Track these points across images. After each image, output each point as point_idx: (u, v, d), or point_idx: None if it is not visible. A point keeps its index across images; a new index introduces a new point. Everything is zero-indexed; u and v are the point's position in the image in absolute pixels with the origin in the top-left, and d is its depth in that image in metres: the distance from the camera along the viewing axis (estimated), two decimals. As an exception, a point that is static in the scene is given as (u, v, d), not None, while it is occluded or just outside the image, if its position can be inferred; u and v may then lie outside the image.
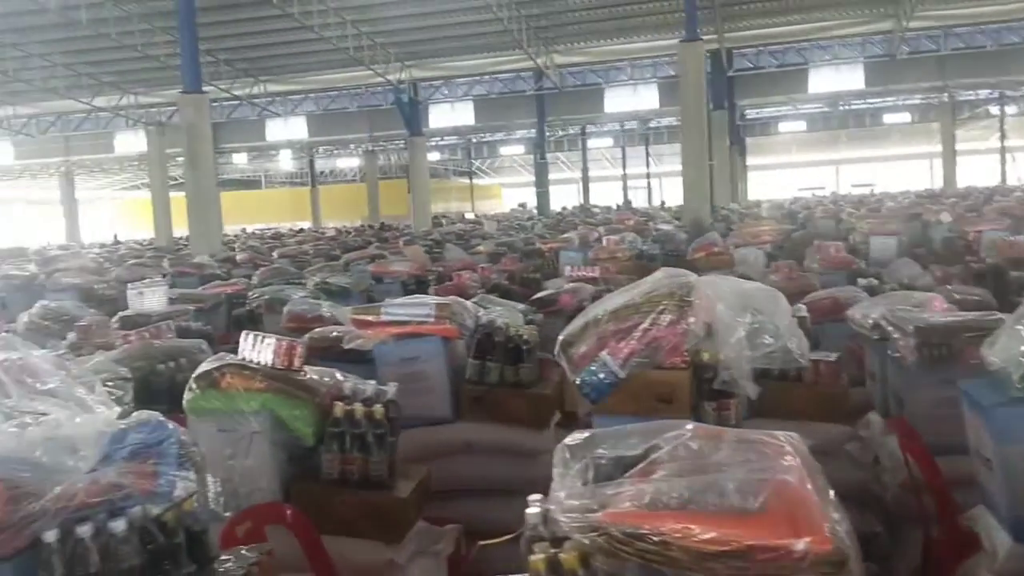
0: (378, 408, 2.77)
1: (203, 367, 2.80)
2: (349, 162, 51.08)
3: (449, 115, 29.09)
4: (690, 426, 1.72)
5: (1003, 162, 34.43)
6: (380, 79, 21.49)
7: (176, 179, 28.11)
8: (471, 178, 50.66)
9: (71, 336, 4.92)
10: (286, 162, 42.86)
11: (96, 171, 37.70)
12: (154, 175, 22.79)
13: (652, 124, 36.53)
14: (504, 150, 49.83)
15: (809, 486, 1.55)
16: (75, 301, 7.87)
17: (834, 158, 57.09)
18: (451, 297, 3.82)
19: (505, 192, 55.78)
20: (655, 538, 1.44)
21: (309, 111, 29.11)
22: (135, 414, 1.98)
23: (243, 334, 3.01)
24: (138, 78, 22.28)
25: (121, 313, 5.62)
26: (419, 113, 23.85)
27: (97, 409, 1.94)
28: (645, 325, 2.56)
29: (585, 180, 35.26)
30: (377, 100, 27.67)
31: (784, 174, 53.08)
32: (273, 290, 6.82)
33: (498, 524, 2.44)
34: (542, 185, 31.20)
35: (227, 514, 2.65)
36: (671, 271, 2.83)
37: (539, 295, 6.13)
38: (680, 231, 11.05)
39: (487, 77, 26.64)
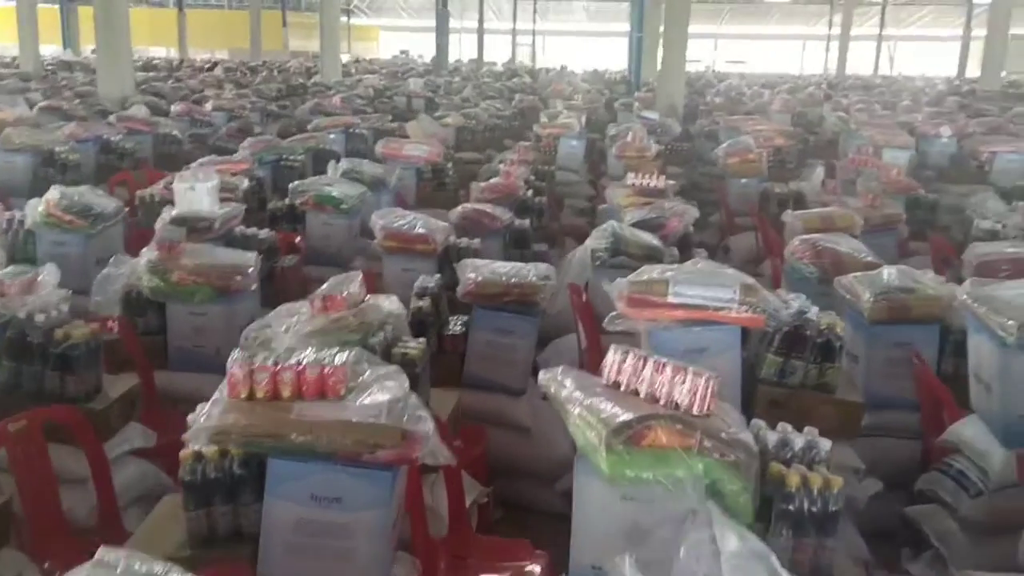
0: (837, 479, 2.08)
1: (621, 417, 1.97)
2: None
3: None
4: None
5: (879, 51, 35.10)
6: None
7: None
8: (348, 16, 46.88)
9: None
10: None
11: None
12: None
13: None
14: (388, -13, 46.36)
15: None
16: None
17: (713, 32, 56.89)
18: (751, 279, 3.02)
19: (383, 36, 52.28)
20: None
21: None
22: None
23: (612, 349, 2.20)
24: None
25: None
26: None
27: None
28: None
29: (533, 35, 32.52)
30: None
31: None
32: (317, 185, 5.66)
33: None
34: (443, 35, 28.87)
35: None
36: None
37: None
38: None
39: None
